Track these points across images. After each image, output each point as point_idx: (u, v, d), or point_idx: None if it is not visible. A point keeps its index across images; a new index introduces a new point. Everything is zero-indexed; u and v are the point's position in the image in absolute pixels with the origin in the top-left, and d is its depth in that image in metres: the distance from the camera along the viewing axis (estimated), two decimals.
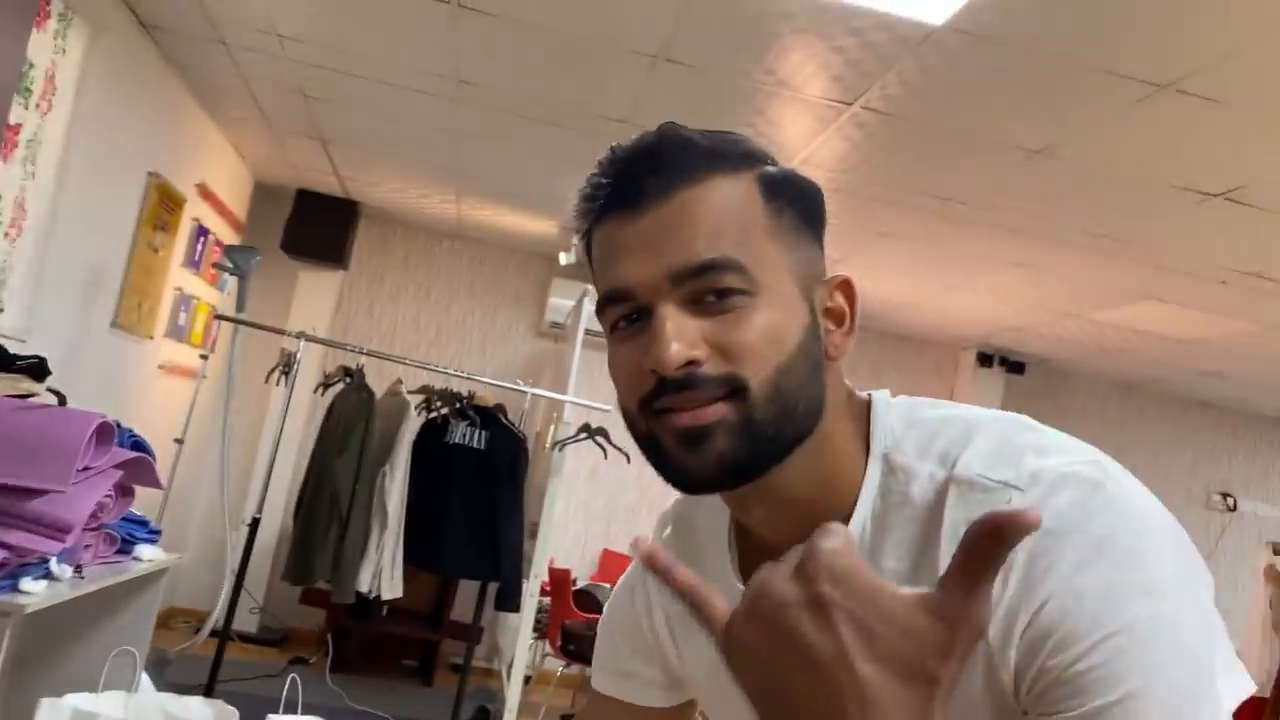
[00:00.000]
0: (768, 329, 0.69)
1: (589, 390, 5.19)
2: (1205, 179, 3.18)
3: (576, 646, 4.81)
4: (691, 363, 0.68)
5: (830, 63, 2.87)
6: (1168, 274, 4.16)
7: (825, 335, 0.75)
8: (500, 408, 4.59)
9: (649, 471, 0.76)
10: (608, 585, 5.46)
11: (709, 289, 0.69)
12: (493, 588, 4.48)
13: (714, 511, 0.84)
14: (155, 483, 2.53)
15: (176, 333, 4.78)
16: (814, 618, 0.51)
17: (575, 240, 0.80)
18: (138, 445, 2.47)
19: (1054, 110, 2.91)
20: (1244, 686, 0.65)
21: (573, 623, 4.83)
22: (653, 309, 0.70)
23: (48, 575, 2.18)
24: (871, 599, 0.51)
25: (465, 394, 4.52)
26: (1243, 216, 3.38)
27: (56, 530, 2.13)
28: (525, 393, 4.49)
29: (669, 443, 0.70)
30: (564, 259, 5.79)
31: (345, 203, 5.76)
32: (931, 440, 0.73)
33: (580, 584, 5.36)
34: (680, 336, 0.68)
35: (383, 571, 3.83)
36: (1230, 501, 6.84)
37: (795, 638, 0.52)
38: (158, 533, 2.87)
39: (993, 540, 0.49)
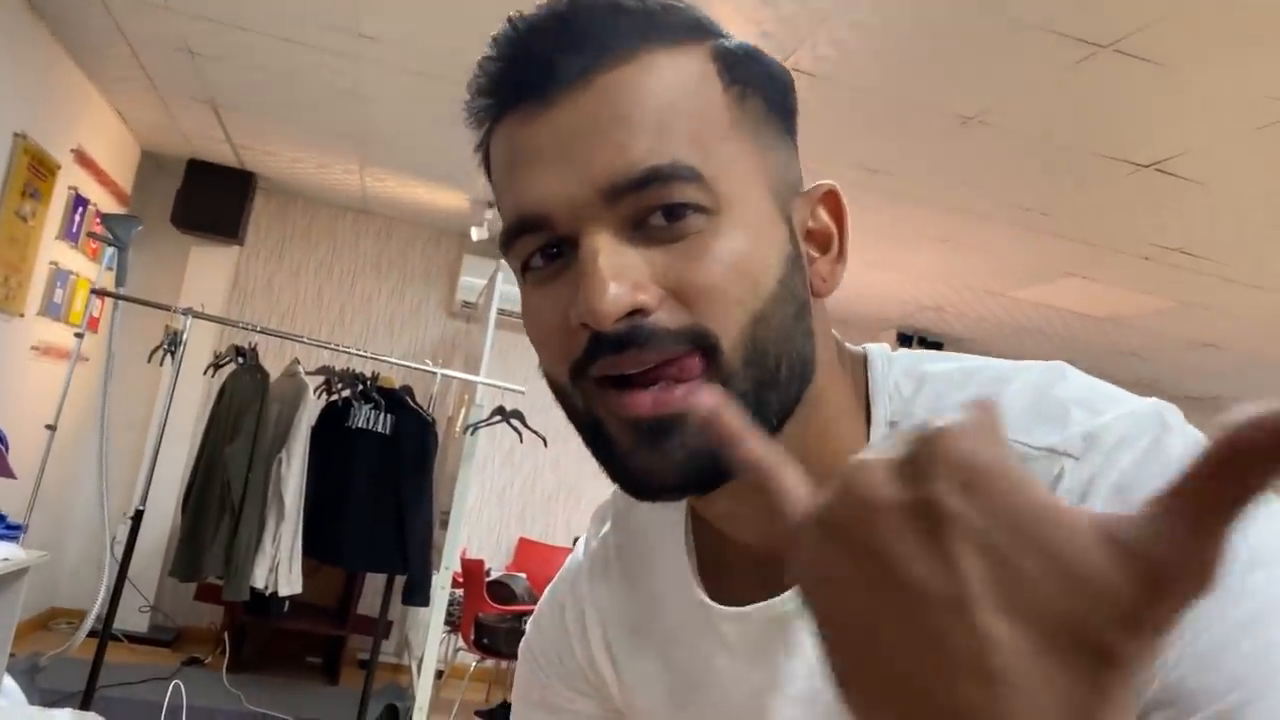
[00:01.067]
0: (738, 260, 0.50)
1: (503, 372, 4.97)
2: (1138, 148, 3.11)
3: (490, 640, 4.59)
4: (637, 311, 0.49)
5: (760, 17, 2.70)
6: (1091, 249, 4.12)
7: (809, 265, 0.56)
8: (408, 390, 4.33)
9: (567, 455, 0.57)
10: (523, 575, 5.25)
11: (655, 206, 0.49)
12: (400, 581, 4.23)
13: (661, 512, 0.65)
14: (8, 472, 2.25)
15: (52, 310, 4.40)
16: (924, 538, 0.31)
17: (478, 156, 0.59)
18: None
19: (991, 74, 2.79)
20: None
21: (486, 615, 4.61)
22: (578, 238, 0.50)
23: None
24: (1021, 517, 0.30)
25: (369, 375, 4.25)
26: (1171, 188, 3.33)
27: None
28: (435, 374, 4.24)
29: (617, 432, 0.51)
30: (475, 235, 5.54)
31: (240, 173, 5.40)
32: (949, 400, 0.55)
33: (494, 574, 5.14)
34: (619, 275, 0.49)
35: (279, 566, 3.56)
36: None
37: (891, 568, 0.31)
38: (18, 528, 2.58)
39: (1263, 451, 0.26)
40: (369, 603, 5.24)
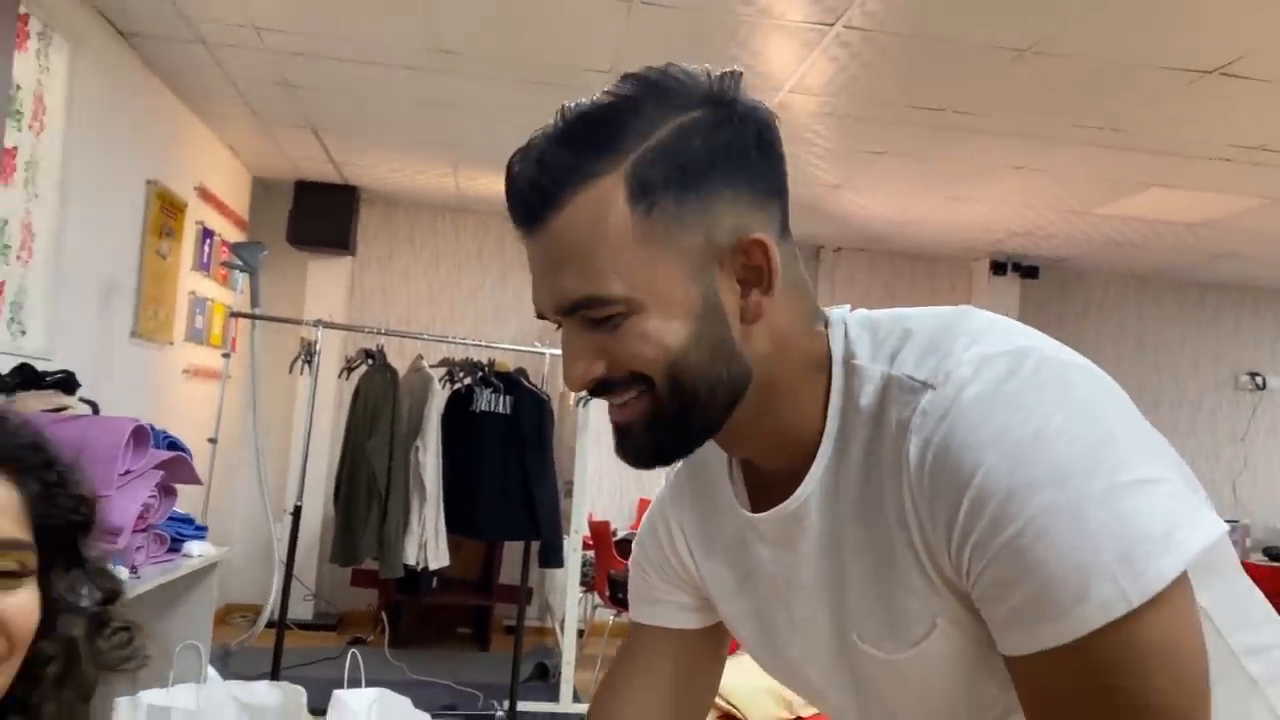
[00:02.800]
0: (651, 337, 0.72)
1: None
2: (1197, 56, 3.15)
3: (624, 594, 4.89)
4: (596, 380, 0.75)
5: None
6: (1169, 158, 4.13)
7: (744, 299, 0.74)
8: (522, 371, 4.64)
9: None
10: None
11: (590, 317, 0.73)
12: (535, 549, 4.57)
13: (718, 449, 0.88)
14: (194, 479, 2.60)
15: (195, 336, 4.84)
16: None
17: None
18: (173, 445, 2.54)
19: (1035, 6, 2.88)
20: (1211, 529, 0.65)
21: (617, 572, 4.91)
22: (562, 327, 0.77)
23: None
24: None
25: (486, 362, 4.57)
26: (1240, 90, 3.35)
27: (106, 535, 2.20)
28: (544, 354, 4.53)
29: (613, 431, 0.79)
30: None
31: (344, 189, 5.78)
32: (883, 341, 0.76)
33: (620, 534, 5.44)
34: (580, 357, 0.75)
35: (427, 543, 3.92)
36: (1259, 380, 6.82)
37: None
38: (204, 529, 2.95)
39: None
40: (509, 572, 5.60)
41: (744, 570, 0.88)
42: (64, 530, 0.84)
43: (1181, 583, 0.63)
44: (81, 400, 2.54)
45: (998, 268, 6.61)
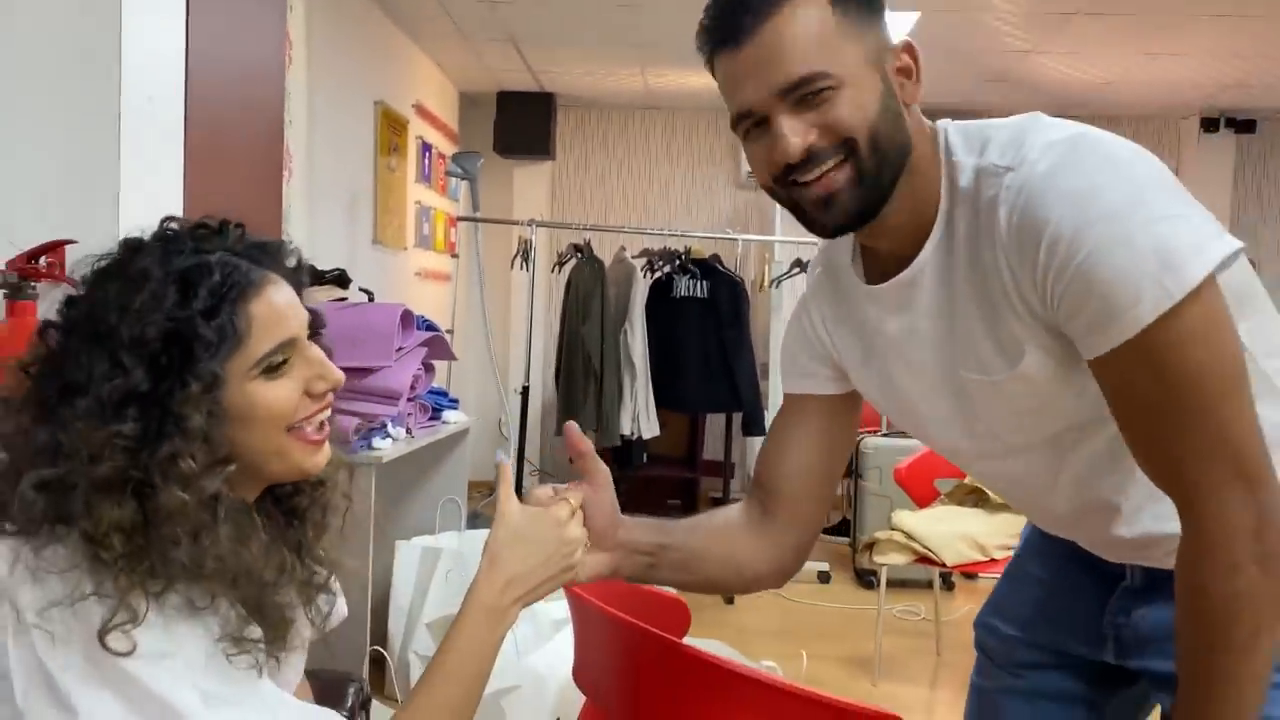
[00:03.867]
0: (855, 104, 0.95)
1: (795, 228, 5.41)
2: None
3: None
4: (809, 148, 0.95)
5: None
6: None
7: (900, 89, 0.98)
8: (716, 258, 4.92)
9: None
10: None
11: (806, 93, 0.94)
12: (738, 423, 4.91)
13: (842, 245, 1.14)
14: (450, 355, 3.06)
15: (423, 242, 5.37)
16: None
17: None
18: (430, 327, 2.99)
19: None
20: (1230, 243, 0.87)
21: None
22: (770, 117, 0.97)
23: (388, 437, 2.73)
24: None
25: (682, 250, 4.87)
26: None
27: (389, 399, 2.68)
28: (736, 240, 4.79)
29: (809, 206, 1.00)
30: None
31: (542, 95, 6.14)
32: (972, 141, 1.00)
33: None
34: (794, 133, 0.95)
35: (639, 415, 4.33)
36: None
37: None
38: (457, 400, 3.44)
39: None
40: (712, 448, 5.99)
41: (868, 338, 1.13)
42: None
43: (1212, 284, 0.86)
44: (360, 290, 3.02)
45: (1209, 124, 6.27)
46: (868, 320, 1.12)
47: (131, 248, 0.92)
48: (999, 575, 1.38)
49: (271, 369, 0.91)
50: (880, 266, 1.08)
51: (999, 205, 0.94)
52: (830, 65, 0.94)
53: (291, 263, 0.98)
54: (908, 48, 0.99)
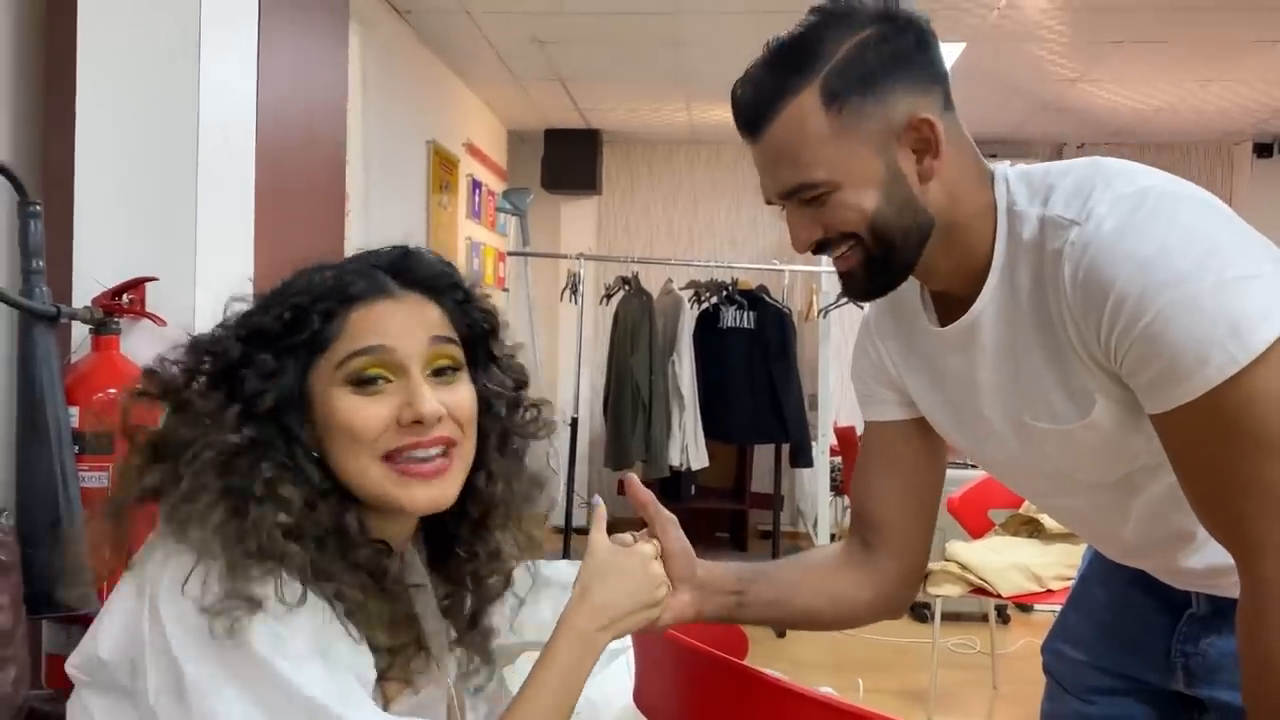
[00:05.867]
0: (851, 205, 0.98)
1: None
2: None
3: None
4: (816, 242, 1.01)
5: None
6: None
7: (917, 165, 0.98)
8: (763, 289, 4.94)
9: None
10: None
11: (804, 197, 0.99)
12: (786, 455, 4.90)
13: (912, 283, 1.16)
14: None
15: (473, 277, 5.45)
16: None
17: None
18: None
19: None
20: None
21: None
22: (785, 210, 1.03)
23: None
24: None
25: (729, 282, 4.90)
26: None
27: None
28: (783, 271, 4.81)
29: (838, 276, 1.07)
30: None
31: (588, 133, 6.23)
32: (1036, 189, 1.00)
33: None
34: (797, 228, 1.01)
35: (688, 446, 4.34)
36: None
37: None
38: None
39: None
40: (761, 480, 5.98)
41: (935, 373, 1.14)
42: (478, 336, 1.01)
43: (1278, 348, 0.86)
44: None
45: (1262, 150, 6.20)
46: (934, 356, 1.14)
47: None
48: (1056, 606, 1.38)
49: (361, 382, 0.90)
50: (947, 305, 1.10)
51: (1064, 260, 0.94)
52: (822, 172, 0.97)
53: (455, 297, 0.98)
54: (922, 123, 0.97)
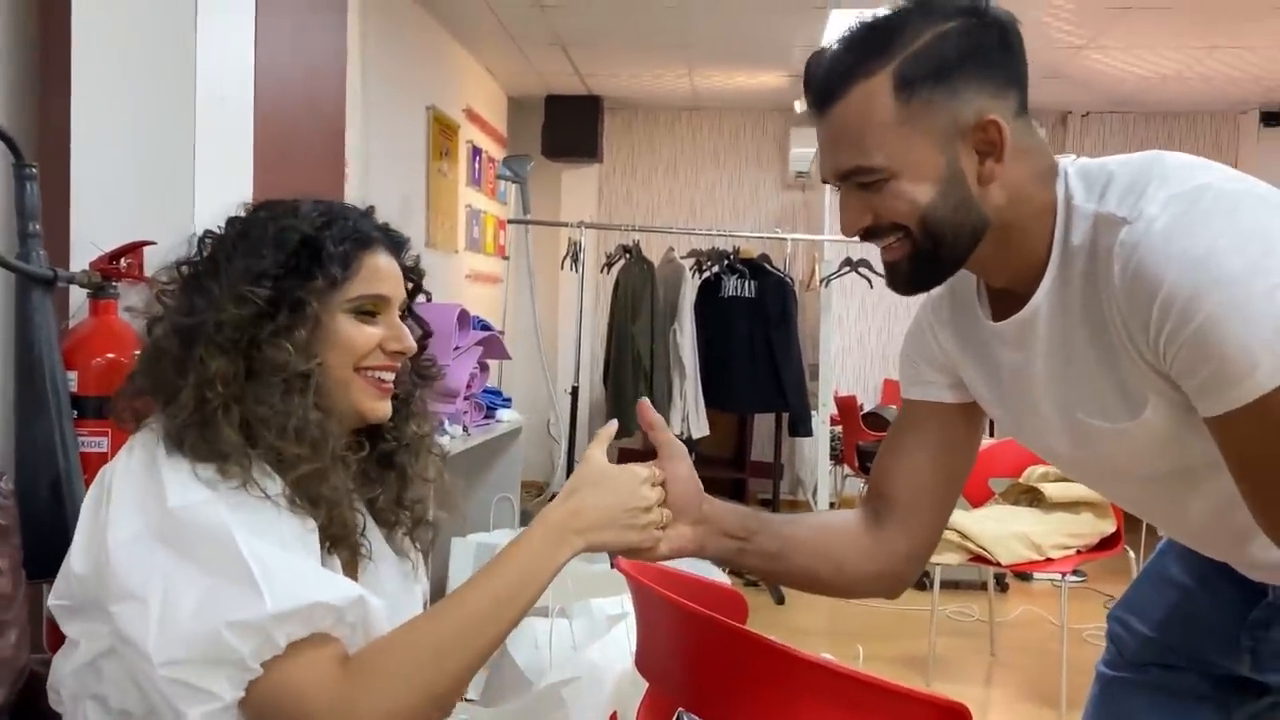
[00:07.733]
0: (905, 197, 0.98)
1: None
2: None
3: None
4: (865, 228, 1.01)
5: None
6: None
7: (980, 166, 0.98)
8: (765, 258, 4.92)
9: (919, 296, 1.10)
10: (894, 407, 5.74)
11: (861, 182, 0.99)
12: (786, 425, 4.90)
13: (967, 274, 1.14)
14: (504, 354, 3.10)
15: (473, 245, 5.43)
16: None
17: None
18: (485, 327, 3.03)
19: None
20: None
21: (866, 443, 5.17)
22: (840, 190, 1.03)
23: (445, 434, 2.78)
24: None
25: (731, 250, 4.88)
26: None
27: (446, 397, 2.72)
28: (785, 240, 4.79)
29: (883, 265, 1.06)
30: (798, 107, 5.95)
31: (589, 99, 6.18)
32: (1092, 184, 0.98)
33: (868, 408, 5.67)
34: (849, 211, 1.01)
35: (689, 414, 4.35)
36: None
37: None
38: (510, 399, 3.48)
39: None
40: (760, 449, 5.99)
41: (989, 366, 1.13)
42: (411, 290, 1.19)
43: None
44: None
45: (1269, 118, 6.15)
46: (988, 348, 1.13)
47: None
48: (1055, 575, 1.38)
49: (362, 312, 1.08)
50: (1003, 299, 1.09)
51: (1114, 259, 0.92)
52: (883, 158, 0.97)
53: (409, 262, 1.18)
54: (990, 125, 0.96)
